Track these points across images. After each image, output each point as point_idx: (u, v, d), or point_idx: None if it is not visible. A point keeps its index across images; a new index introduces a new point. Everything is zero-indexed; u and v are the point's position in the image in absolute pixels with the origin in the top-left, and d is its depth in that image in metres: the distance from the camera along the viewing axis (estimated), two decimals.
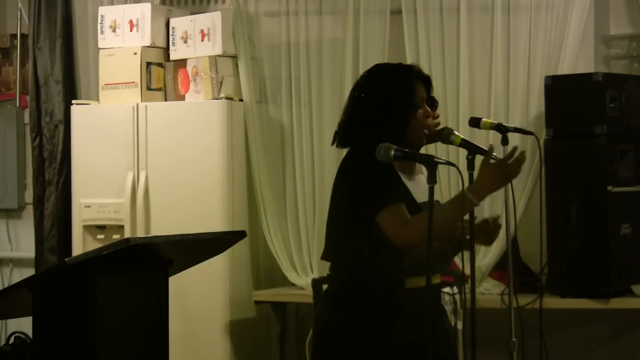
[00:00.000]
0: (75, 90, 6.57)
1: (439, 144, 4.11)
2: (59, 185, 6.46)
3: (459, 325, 4.59)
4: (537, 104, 5.54)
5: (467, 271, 3.76)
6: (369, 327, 3.55)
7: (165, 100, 6.07)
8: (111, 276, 3.48)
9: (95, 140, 6.04)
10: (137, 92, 6.00)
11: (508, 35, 5.66)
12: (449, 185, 5.56)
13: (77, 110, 6.17)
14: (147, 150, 5.89)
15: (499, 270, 5.50)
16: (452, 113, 5.63)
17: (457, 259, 4.61)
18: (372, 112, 3.60)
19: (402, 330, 3.56)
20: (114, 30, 6.13)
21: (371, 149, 3.46)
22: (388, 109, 3.59)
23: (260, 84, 6.07)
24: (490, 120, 4.18)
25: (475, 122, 4.21)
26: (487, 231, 3.72)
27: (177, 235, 3.80)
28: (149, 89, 6.04)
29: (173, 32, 6.09)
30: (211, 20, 5.95)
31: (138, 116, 5.93)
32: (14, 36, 6.92)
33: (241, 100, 5.96)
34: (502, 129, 4.13)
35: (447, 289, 5.08)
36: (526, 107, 5.60)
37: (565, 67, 5.52)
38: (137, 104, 5.95)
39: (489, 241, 3.77)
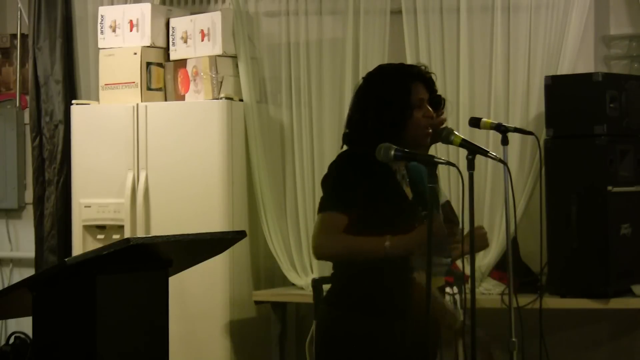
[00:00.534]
0: (75, 90, 6.58)
1: (439, 144, 4.10)
2: (59, 185, 6.46)
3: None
4: (537, 104, 5.54)
5: (467, 271, 3.76)
6: (370, 328, 3.56)
7: (165, 100, 6.07)
8: (111, 276, 3.48)
9: (95, 140, 6.04)
10: (137, 92, 6.00)
11: (508, 35, 5.66)
12: (449, 185, 5.56)
13: (77, 110, 6.17)
14: (147, 150, 5.89)
15: (499, 270, 5.50)
16: (452, 113, 5.63)
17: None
18: (369, 115, 3.60)
19: (403, 331, 3.56)
20: (114, 30, 6.13)
21: (359, 149, 3.52)
22: (383, 111, 3.59)
23: (260, 84, 6.07)
24: (490, 120, 4.18)
25: (475, 122, 4.21)
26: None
27: (177, 235, 3.79)
28: (149, 89, 6.04)
29: (173, 32, 6.09)
30: (211, 20, 5.95)
31: (138, 116, 5.93)
32: (14, 36, 6.92)
33: (241, 100, 5.96)
34: (502, 129, 4.13)
35: (447, 289, 5.08)
36: (526, 107, 5.60)
37: (565, 67, 5.52)
38: (137, 104, 5.96)
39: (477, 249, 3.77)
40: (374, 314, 3.57)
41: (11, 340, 6.62)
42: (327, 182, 3.63)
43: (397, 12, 5.85)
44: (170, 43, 6.10)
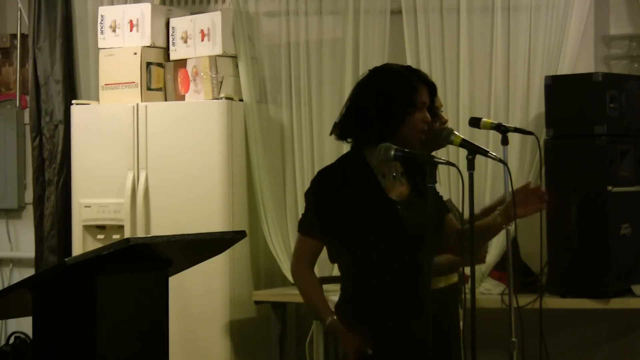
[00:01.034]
0: (75, 90, 6.58)
1: None
2: (59, 185, 6.46)
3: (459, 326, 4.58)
4: (537, 104, 5.55)
5: (467, 271, 3.76)
6: (381, 336, 3.55)
7: (165, 100, 6.08)
8: (111, 276, 3.47)
9: (95, 140, 6.04)
10: (137, 92, 6.00)
11: (508, 35, 5.66)
12: (449, 185, 5.56)
13: (77, 110, 6.17)
14: (147, 150, 5.89)
15: (499, 270, 5.50)
16: (452, 113, 5.63)
17: None
18: (370, 104, 3.60)
19: (415, 339, 3.55)
20: (114, 30, 6.13)
21: (356, 151, 3.57)
22: (385, 102, 3.58)
23: (260, 84, 6.07)
24: (490, 120, 4.18)
25: (475, 122, 4.21)
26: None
27: (177, 235, 3.79)
28: (149, 89, 6.04)
29: (173, 32, 6.09)
30: (211, 20, 5.95)
31: (138, 116, 5.93)
32: (14, 36, 6.92)
33: (241, 100, 5.97)
34: (502, 129, 4.12)
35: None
36: (526, 107, 5.60)
37: (565, 67, 5.52)
38: (137, 104, 5.96)
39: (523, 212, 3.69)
40: (383, 320, 3.57)
41: (11, 340, 6.62)
42: (306, 200, 3.72)
43: (397, 12, 5.85)
44: (170, 43, 6.10)
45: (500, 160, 3.69)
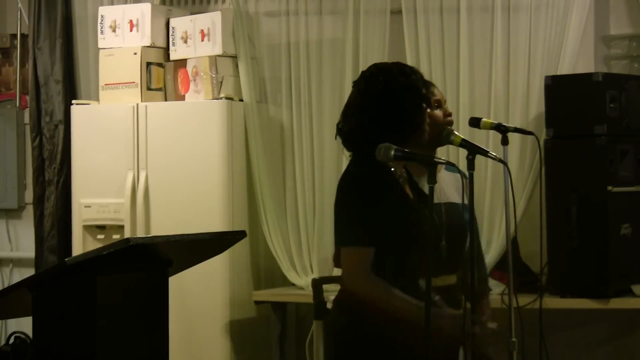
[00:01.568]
0: (75, 90, 6.57)
1: None
2: (59, 185, 6.46)
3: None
4: (537, 104, 5.54)
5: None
6: (381, 332, 3.55)
7: (165, 100, 6.08)
8: (111, 276, 3.48)
9: (95, 140, 6.04)
10: (137, 92, 6.00)
11: (508, 35, 5.66)
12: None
13: (77, 110, 6.17)
14: (147, 150, 5.89)
15: (499, 270, 5.50)
16: (452, 113, 5.62)
17: None
18: (386, 114, 3.59)
19: (415, 335, 3.55)
20: (114, 30, 6.13)
21: (369, 156, 3.48)
22: (403, 112, 3.58)
23: (260, 84, 6.07)
24: (490, 120, 4.18)
25: (475, 122, 4.21)
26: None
27: (177, 235, 3.79)
28: (149, 89, 6.04)
29: (173, 32, 6.09)
30: (211, 20, 5.95)
31: (138, 116, 5.93)
32: (14, 36, 6.92)
33: (241, 100, 5.96)
34: (502, 129, 4.12)
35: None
36: (526, 107, 5.60)
37: (565, 67, 5.52)
38: (137, 104, 5.96)
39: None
40: (383, 319, 3.56)
41: (11, 340, 6.62)
42: (345, 209, 3.60)
43: (397, 12, 5.85)
44: (170, 43, 6.10)
45: (500, 160, 3.69)
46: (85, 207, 6.04)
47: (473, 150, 3.59)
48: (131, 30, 6.09)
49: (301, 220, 5.95)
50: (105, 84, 6.12)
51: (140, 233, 5.85)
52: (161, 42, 6.12)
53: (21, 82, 6.85)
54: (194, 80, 5.95)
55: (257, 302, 5.88)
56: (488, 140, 5.38)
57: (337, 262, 3.73)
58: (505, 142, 4.12)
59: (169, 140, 5.86)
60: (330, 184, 5.73)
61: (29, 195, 6.83)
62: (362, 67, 5.70)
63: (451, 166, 3.57)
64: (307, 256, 5.92)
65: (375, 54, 5.79)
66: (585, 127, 5.23)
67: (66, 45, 6.53)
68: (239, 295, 5.83)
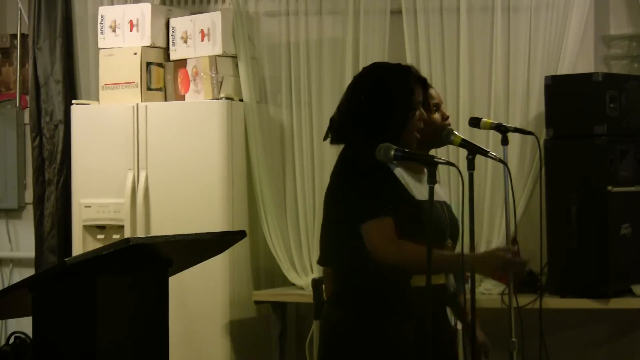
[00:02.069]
0: (75, 90, 6.58)
1: None
2: (59, 185, 6.46)
3: (459, 326, 4.59)
4: (537, 104, 5.55)
5: (467, 271, 3.75)
6: (374, 327, 3.55)
7: (165, 100, 6.08)
8: (111, 276, 3.48)
9: (95, 140, 6.04)
10: (137, 92, 6.00)
11: (508, 35, 5.66)
12: (449, 185, 5.55)
13: (77, 110, 6.17)
14: (147, 150, 5.89)
15: (498, 270, 5.49)
16: (452, 113, 5.61)
17: None
18: (372, 111, 3.59)
19: (408, 329, 3.55)
20: (114, 30, 6.13)
21: (367, 150, 3.46)
22: (389, 110, 3.58)
23: (260, 84, 6.07)
24: (490, 120, 4.18)
25: (475, 122, 4.21)
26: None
27: (177, 235, 3.79)
28: (149, 89, 6.04)
29: (173, 32, 6.09)
30: (211, 20, 5.95)
31: (138, 116, 5.93)
32: (14, 36, 6.92)
33: (241, 100, 5.97)
34: (502, 129, 4.13)
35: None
36: (526, 107, 5.60)
37: (565, 67, 5.52)
38: (137, 104, 5.96)
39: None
40: (375, 312, 3.56)
41: (11, 340, 6.62)
42: (356, 187, 3.55)
43: (397, 12, 5.85)
44: (170, 43, 6.10)
45: (500, 160, 3.70)
46: (85, 207, 6.04)
47: (473, 150, 3.59)
48: (131, 30, 6.09)
49: (301, 220, 5.95)
50: (105, 84, 6.12)
51: (140, 233, 5.85)
52: (161, 42, 6.12)
53: (21, 82, 6.85)
54: (194, 80, 5.95)
55: (257, 302, 5.88)
56: (488, 140, 5.38)
57: (322, 260, 3.72)
58: (505, 142, 4.12)
59: (169, 140, 5.86)
60: None
61: (29, 195, 6.83)
62: (362, 67, 5.70)
63: (451, 166, 3.57)
64: (307, 256, 5.92)
65: (375, 54, 5.79)
66: (585, 127, 5.23)
67: (66, 45, 6.53)
68: (239, 295, 5.83)
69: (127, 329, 3.56)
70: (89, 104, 6.22)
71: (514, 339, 3.95)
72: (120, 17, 6.12)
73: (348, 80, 5.73)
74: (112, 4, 6.40)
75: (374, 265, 3.52)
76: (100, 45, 6.19)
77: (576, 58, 5.58)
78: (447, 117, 3.98)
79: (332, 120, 3.73)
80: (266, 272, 6.06)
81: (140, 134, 5.91)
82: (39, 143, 6.56)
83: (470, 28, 5.72)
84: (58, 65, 6.51)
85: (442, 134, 3.73)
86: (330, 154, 5.83)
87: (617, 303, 5.20)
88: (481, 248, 5.54)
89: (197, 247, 3.94)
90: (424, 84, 3.70)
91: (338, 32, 5.97)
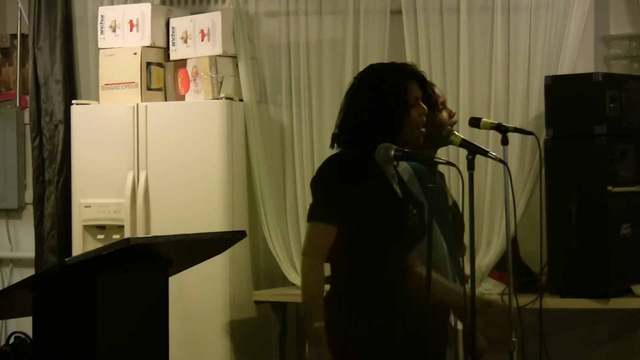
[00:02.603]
0: (75, 90, 6.57)
1: None
2: (59, 185, 6.46)
3: (459, 326, 4.60)
4: (537, 104, 5.55)
5: (467, 271, 3.76)
6: (369, 327, 3.55)
7: (165, 100, 6.07)
8: (111, 276, 3.48)
9: (95, 140, 6.04)
10: (137, 92, 6.00)
11: (508, 35, 5.66)
12: (449, 185, 5.55)
13: (77, 110, 6.17)
14: (147, 150, 5.89)
15: (499, 270, 5.50)
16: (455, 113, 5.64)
17: None
18: (365, 113, 3.60)
19: (403, 330, 3.56)
20: (114, 30, 6.13)
21: (350, 151, 3.52)
22: (380, 110, 3.58)
23: (260, 84, 6.07)
24: (490, 120, 4.18)
25: (475, 122, 4.21)
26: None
27: (177, 235, 3.80)
28: (149, 89, 6.04)
29: (173, 32, 6.09)
30: (211, 20, 5.95)
31: (138, 116, 5.93)
32: (14, 36, 6.91)
33: (241, 100, 5.97)
34: (502, 129, 4.13)
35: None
36: (526, 107, 5.60)
37: (565, 67, 5.52)
38: (137, 104, 5.96)
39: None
40: (372, 313, 3.56)
41: (11, 340, 6.62)
42: (317, 187, 3.60)
43: (397, 12, 5.85)
44: (170, 43, 6.10)
45: (500, 160, 3.70)
46: (85, 207, 6.04)
47: (473, 150, 3.59)
48: (131, 30, 6.09)
49: (301, 220, 5.95)
50: (105, 84, 6.12)
51: (140, 233, 5.85)
52: (161, 42, 6.12)
53: (21, 82, 6.85)
54: (194, 80, 5.95)
55: (257, 302, 5.88)
56: (488, 140, 5.38)
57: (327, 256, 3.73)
58: (505, 142, 4.13)
59: (169, 140, 5.86)
60: None
61: (29, 195, 6.83)
62: (362, 67, 5.68)
63: (451, 166, 3.57)
64: None
65: (375, 54, 5.79)
66: (585, 127, 5.23)
67: (66, 45, 6.53)
68: (239, 295, 5.83)
69: (127, 329, 3.56)
70: (89, 104, 6.22)
71: (514, 339, 3.95)
72: (120, 17, 6.12)
73: (348, 80, 5.72)
74: (112, 4, 6.39)
75: (361, 265, 3.54)
76: (100, 45, 6.19)
77: (576, 58, 5.58)
78: (454, 115, 3.98)
79: (334, 135, 3.73)
80: (266, 272, 6.06)
81: (140, 134, 5.91)
82: (39, 143, 6.56)
83: (470, 28, 5.72)
84: (58, 65, 6.51)
85: (441, 135, 3.73)
86: (330, 154, 5.83)
87: (617, 303, 5.20)
88: (481, 248, 5.55)
89: (197, 247, 3.94)
90: (422, 80, 3.68)
91: (338, 32, 5.97)
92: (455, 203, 4.05)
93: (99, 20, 6.18)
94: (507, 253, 4.24)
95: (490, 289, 5.50)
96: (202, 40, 5.97)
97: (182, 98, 6.01)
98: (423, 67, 5.69)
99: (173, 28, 6.10)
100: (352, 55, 5.87)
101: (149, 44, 6.06)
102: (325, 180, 3.58)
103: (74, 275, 3.42)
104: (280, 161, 6.05)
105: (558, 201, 5.25)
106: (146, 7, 6.07)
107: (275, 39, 6.07)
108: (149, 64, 6.05)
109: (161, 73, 6.09)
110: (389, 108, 3.57)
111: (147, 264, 3.64)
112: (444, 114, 3.94)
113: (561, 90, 5.32)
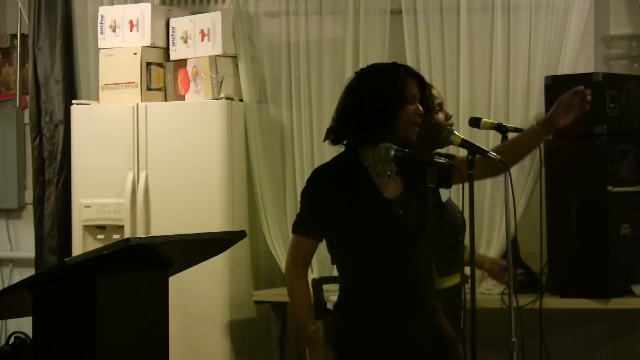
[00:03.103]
0: (75, 90, 6.58)
1: None
2: (59, 185, 6.46)
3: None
4: (537, 104, 5.55)
5: (467, 271, 3.76)
6: (379, 333, 3.55)
7: (165, 100, 6.08)
8: (111, 276, 3.48)
9: (95, 140, 6.04)
10: (137, 92, 6.00)
11: (508, 35, 5.66)
12: None
13: (77, 110, 6.17)
14: (147, 150, 5.89)
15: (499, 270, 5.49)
16: (452, 113, 5.62)
17: None
18: (362, 103, 3.60)
19: (413, 335, 3.55)
20: (114, 30, 6.13)
21: (351, 152, 3.58)
22: (376, 99, 3.58)
23: (260, 84, 6.07)
24: (490, 120, 4.19)
25: (475, 122, 4.22)
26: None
27: (177, 235, 3.79)
28: (149, 89, 6.04)
29: (173, 32, 6.09)
30: (211, 20, 5.95)
31: (138, 116, 5.93)
32: (14, 36, 6.92)
33: (241, 100, 5.97)
34: (502, 129, 4.13)
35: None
36: (526, 107, 5.60)
37: (565, 67, 5.52)
38: (137, 104, 5.96)
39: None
40: (382, 318, 3.56)
41: (11, 340, 6.62)
42: (302, 199, 3.70)
43: (397, 12, 5.85)
44: (170, 43, 6.10)
45: (500, 160, 3.69)
46: (85, 207, 6.04)
47: (473, 150, 3.59)
48: (131, 30, 6.09)
49: None
50: (105, 84, 6.12)
51: (140, 233, 5.85)
52: (161, 42, 6.12)
53: (21, 82, 6.85)
54: (194, 80, 5.95)
55: (257, 302, 5.88)
56: (488, 140, 5.38)
57: (332, 259, 3.73)
58: (505, 142, 4.12)
59: (169, 140, 5.86)
60: None
61: (29, 195, 6.83)
62: (362, 67, 5.71)
63: (451, 166, 3.56)
64: None
65: (375, 54, 5.79)
66: (585, 127, 5.22)
67: (66, 45, 6.53)
68: (239, 295, 5.83)
69: (127, 329, 3.56)
70: (89, 104, 6.22)
71: (514, 339, 3.95)
72: (120, 17, 6.12)
73: None
74: (112, 4, 6.39)
75: (365, 272, 3.54)
76: (100, 45, 6.19)
77: (576, 58, 5.58)
78: (450, 117, 3.98)
79: (328, 129, 3.74)
80: (266, 272, 6.06)
81: (140, 134, 5.91)
82: (39, 143, 6.56)
83: (470, 28, 5.72)
84: (58, 65, 6.51)
85: (441, 135, 3.73)
86: (330, 154, 5.79)
87: (617, 303, 5.20)
88: (481, 248, 5.55)
89: (197, 247, 3.94)
90: (421, 81, 3.69)
91: (338, 32, 5.97)
92: (449, 198, 4.07)
93: (99, 20, 6.18)
94: (507, 253, 4.24)
95: (490, 289, 5.50)
96: (202, 40, 5.97)
97: (182, 98, 6.01)
98: (423, 67, 5.70)
99: (173, 28, 6.10)
100: (352, 55, 5.87)
101: (149, 44, 6.06)
102: (307, 192, 3.67)
103: (74, 275, 3.42)
104: (280, 161, 6.05)
105: (558, 201, 5.25)
106: (146, 7, 6.07)
107: (275, 39, 6.07)
108: (149, 64, 6.05)
109: (161, 73, 6.09)
110: (386, 98, 3.57)
111: (147, 264, 3.64)
112: (440, 115, 3.94)
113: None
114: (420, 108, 3.63)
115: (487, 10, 5.69)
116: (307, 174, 5.88)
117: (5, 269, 7.02)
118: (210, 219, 5.71)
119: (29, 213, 6.84)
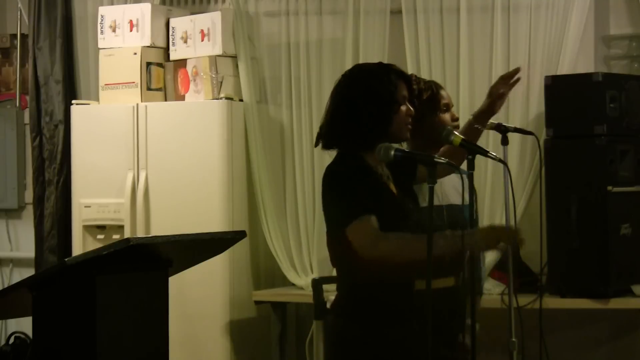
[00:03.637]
0: (75, 90, 6.58)
1: None
2: (59, 185, 6.46)
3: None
4: (537, 104, 5.54)
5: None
6: (377, 336, 3.55)
7: (165, 100, 6.08)
8: (111, 276, 3.48)
9: (95, 140, 6.04)
10: (137, 92, 6.00)
11: (508, 35, 5.66)
12: None
13: (77, 110, 6.17)
14: (147, 150, 5.89)
15: (499, 270, 5.50)
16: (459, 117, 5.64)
17: None
18: (355, 109, 3.59)
19: (413, 337, 3.55)
20: (113, 30, 6.13)
21: (351, 153, 3.55)
22: (370, 105, 3.58)
23: (260, 84, 6.07)
24: (490, 120, 4.18)
25: None
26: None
27: (177, 235, 3.80)
28: (149, 89, 6.04)
29: (173, 32, 6.09)
30: (211, 20, 5.95)
31: (138, 116, 5.93)
32: (14, 36, 6.92)
33: (241, 100, 5.97)
34: (502, 129, 4.13)
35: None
36: (526, 107, 5.60)
37: (565, 67, 5.52)
38: (137, 104, 5.96)
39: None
40: (380, 322, 3.56)
41: (11, 340, 6.62)
42: (341, 189, 3.56)
43: (397, 12, 5.85)
44: (170, 43, 6.10)
45: (500, 160, 3.70)
46: (85, 207, 6.04)
47: (473, 151, 3.59)
48: (131, 30, 6.09)
49: (301, 220, 5.95)
50: (105, 84, 6.12)
51: (140, 233, 5.85)
52: (161, 42, 6.12)
53: (21, 82, 6.85)
54: (194, 80, 5.95)
55: (257, 302, 5.88)
56: (488, 140, 5.38)
57: (333, 261, 3.72)
58: (505, 142, 4.13)
59: (169, 140, 5.86)
60: None
61: (29, 195, 6.83)
62: None
63: (451, 166, 3.57)
64: (307, 256, 5.92)
65: (375, 54, 5.79)
66: (585, 127, 5.23)
67: (66, 45, 6.53)
68: (239, 295, 5.83)
69: (127, 329, 3.56)
70: (89, 104, 6.22)
71: (514, 339, 3.95)
72: (120, 17, 6.12)
73: None
74: (112, 4, 6.39)
75: (374, 273, 3.53)
76: (100, 45, 6.19)
77: (576, 58, 5.58)
78: (457, 119, 3.99)
79: (321, 127, 3.72)
80: (266, 272, 6.06)
81: (140, 134, 5.91)
82: (39, 143, 6.56)
83: (470, 28, 5.71)
84: (58, 65, 6.51)
85: (441, 135, 3.73)
86: (330, 154, 5.82)
87: (617, 303, 5.20)
88: None
89: (197, 247, 3.94)
90: (408, 81, 3.69)
91: (338, 32, 5.97)
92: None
93: (99, 20, 6.18)
94: (507, 253, 4.24)
95: (490, 289, 5.50)
96: (202, 40, 5.97)
97: (182, 98, 6.01)
98: (423, 67, 5.70)
99: (173, 28, 6.10)
100: (352, 55, 5.87)
101: (149, 44, 6.06)
102: (347, 179, 3.54)
103: (74, 275, 3.42)
104: (280, 161, 6.05)
105: (558, 201, 5.25)
106: (146, 7, 6.07)
107: (275, 39, 6.07)
108: (148, 64, 6.05)
109: (161, 73, 6.10)
110: (380, 103, 3.57)
111: (147, 264, 3.64)
112: (447, 115, 3.95)
113: (561, 90, 5.32)
114: (411, 108, 3.64)
115: (487, 10, 5.69)
116: (307, 174, 5.93)
117: (5, 269, 7.02)
118: (210, 219, 5.71)
119: (29, 213, 6.84)
